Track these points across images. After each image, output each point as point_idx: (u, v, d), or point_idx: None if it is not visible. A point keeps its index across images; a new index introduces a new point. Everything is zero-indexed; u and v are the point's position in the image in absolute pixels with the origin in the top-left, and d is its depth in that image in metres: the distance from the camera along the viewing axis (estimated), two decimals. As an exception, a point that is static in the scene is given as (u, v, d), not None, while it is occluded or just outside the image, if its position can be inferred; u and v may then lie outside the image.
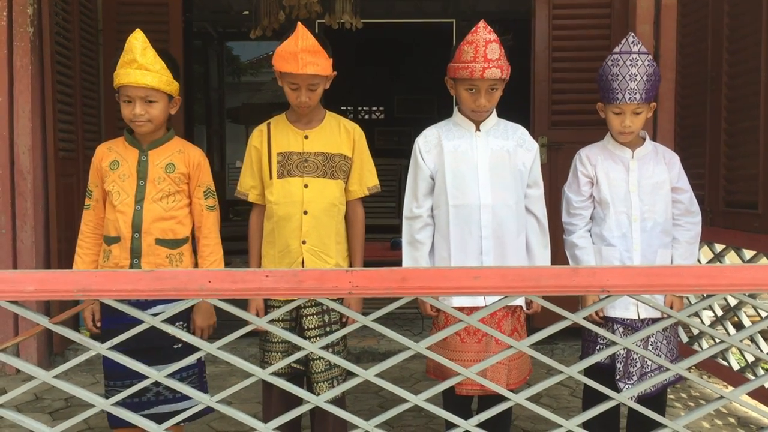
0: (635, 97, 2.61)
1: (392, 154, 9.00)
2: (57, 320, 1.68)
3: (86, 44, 4.85)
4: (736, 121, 3.62)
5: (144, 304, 2.34)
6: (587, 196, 2.77)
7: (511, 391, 1.82)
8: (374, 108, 11.38)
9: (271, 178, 2.65)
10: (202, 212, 2.62)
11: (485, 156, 2.65)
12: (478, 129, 2.68)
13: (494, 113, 2.72)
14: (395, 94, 10.51)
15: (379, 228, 7.47)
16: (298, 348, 2.52)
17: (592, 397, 2.59)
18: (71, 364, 1.61)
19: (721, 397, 1.65)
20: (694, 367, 4.07)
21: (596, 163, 2.75)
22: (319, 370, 2.57)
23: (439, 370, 2.64)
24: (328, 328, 2.59)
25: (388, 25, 6.78)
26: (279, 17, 4.66)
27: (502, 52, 2.58)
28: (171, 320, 2.31)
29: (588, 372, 1.93)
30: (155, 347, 2.36)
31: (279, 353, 2.60)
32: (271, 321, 2.53)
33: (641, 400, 2.44)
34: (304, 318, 2.59)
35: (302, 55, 2.47)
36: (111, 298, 1.64)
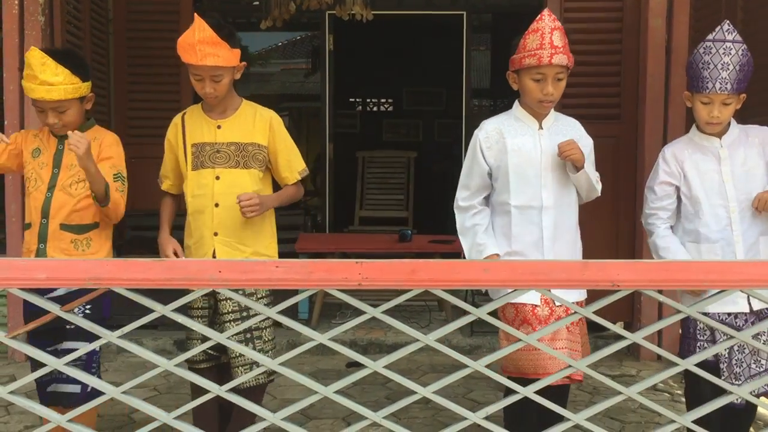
0: (726, 87, 2.48)
1: (401, 146, 8.98)
2: (68, 308, 1.69)
3: (96, 33, 4.86)
4: (748, 117, 3.60)
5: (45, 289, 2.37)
6: (664, 194, 2.65)
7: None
8: (383, 100, 11.36)
9: (187, 170, 2.68)
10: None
11: (548, 157, 2.59)
12: (540, 127, 2.63)
13: (553, 110, 2.68)
14: (404, 86, 10.48)
15: (387, 220, 7.47)
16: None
17: (699, 396, 2.35)
18: (80, 352, 1.62)
19: None
20: None
21: (684, 159, 2.62)
22: (235, 355, 2.59)
23: (516, 367, 2.57)
24: (244, 313, 2.60)
25: (398, 17, 6.76)
26: (290, 8, 4.65)
27: (566, 41, 2.55)
28: (73, 299, 2.38)
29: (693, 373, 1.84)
30: (52, 327, 2.34)
31: (198, 341, 2.60)
32: (189, 307, 2.64)
33: (730, 411, 2.33)
34: (220, 303, 2.61)
35: (200, 47, 2.46)
36: (121, 286, 1.64)
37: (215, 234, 2.63)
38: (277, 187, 2.85)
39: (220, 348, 2.57)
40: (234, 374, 2.56)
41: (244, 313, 2.59)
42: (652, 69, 4.28)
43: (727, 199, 2.55)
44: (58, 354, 2.52)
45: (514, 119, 2.67)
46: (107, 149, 2.69)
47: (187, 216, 2.71)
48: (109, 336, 1.60)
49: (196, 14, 2.52)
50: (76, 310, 2.53)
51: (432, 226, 6.85)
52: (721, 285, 1.57)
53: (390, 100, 11.24)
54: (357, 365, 3.90)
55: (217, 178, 2.62)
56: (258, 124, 2.68)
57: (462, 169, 2.74)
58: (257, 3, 6.07)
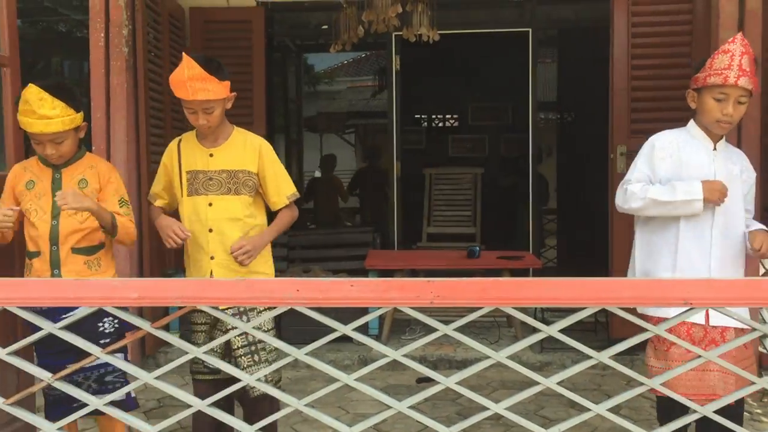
0: None
1: (467, 162, 8.99)
2: (158, 325, 1.80)
3: (175, 61, 5.07)
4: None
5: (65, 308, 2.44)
6: None
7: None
8: (448, 116, 11.40)
9: (182, 196, 2.79)
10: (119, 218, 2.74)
11: (722, 175, 2.60)
12: (714, 148, 2.64)
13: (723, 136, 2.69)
14: (469, 101, 10.50)
15: (455, 236, 7.49)
16: (212, 350, 2.68)
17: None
18: (173, 365, 1.72)
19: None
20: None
21: None
22: (243, 366, 2.71)
23: (667, 386, 2.58)
24: (251, 337, 2.70)
25: (463, 35, 6.81)
26: (358, 32, 4.77)
27: (753, 68, 2.57)
28: (100, 317, 2.45)
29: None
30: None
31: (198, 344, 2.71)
32: (191, 322, 2.79)
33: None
34: (221, 321, 2.70)
35: (190, 83, 2.58)
36: (207, 305, 1.74)
37: (211, 258, 2.76)
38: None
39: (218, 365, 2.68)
40: (246, 386, 2.66)
41: (250, 337, 2.72)
42: (724, 81, 4.20)
43: None
44: (87, 371, 2.65)
45: (690, 136, 2.68)
46: (106, 174, 2.79)
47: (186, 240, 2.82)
48: (195, 351, 1.70)
49: (184, 53, 2.66)
50: (106, 324, 2.67)
51: (500, 241, 6.84)
52: (797, 303, 1.55)
53: (455, 116, 11.28)
54: (428, 381, 3.94)
55: (210, 204, 2.75)
56: (248, 152, 2.80)
57: (629, 170, 2.74)
58: (326, 27, 6.25)
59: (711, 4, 4.27)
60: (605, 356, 1.61)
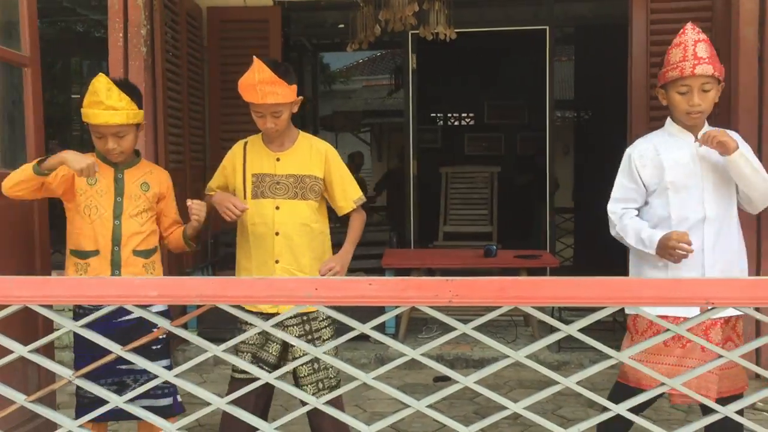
0: None
1: (482, 161, 8.97)
2: (177, 323, 1.81)
3: (193, 61, 5.11)
4: None
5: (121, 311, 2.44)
6: None
7: (723, 400, 1.73)
8: (464, 114, 11.38)
9: (245, 197, 2.77)
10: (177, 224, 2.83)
11: (708, 167, 2.57)
12: (696, 139, 2.59)
13: (706, 122, 2.65)
14: (485, 99, 10.47)
15: (471, 235, 7.47)
16: (266, 350, 2.68)
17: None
18: (192, 363, 1.73)
19: None
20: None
21: None
22: (304, 374, 2.69)
23: (635, 376, 2.57)
24: (309, 336, 2.69)
25: (480, 33, 6.79)
26: (375, 31, 4.77)
27: (713, 52, 2.54)
28: (148, 325, 2.46)
29: None
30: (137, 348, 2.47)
31: (249, 354, 2.71)
32: (249, 326, 2.64)
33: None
34: (287, 329, 2.69)
35: (261, 87, 2.58)
36: (226, 303, 1.75)
37: (276, 261, 2.74)
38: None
39: (273, 366, 2.68)
40: (304, 391, 2.65)
41: (309, 336, 2.70)
42: (744, 78, 4.15)
43: None
44: (137, 373, 2.67)
45: (668, 135, 2.65)
46: (166, 182, 2.84)
47: (243, 239, 2.82)
48: (214, 349, 1.71)
49: (255, 57, 2.66)
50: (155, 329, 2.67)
51: (517, 240, 6.82)
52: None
53: (471, 115, 11.25)
54: (445, 380, 3.93)
55: (277, 208, 2.74)
56: (314, 157, 2.80)
57: (614, 186, 2.73)
58: (342, 26, 6.25)
59: (731, 1, 4.23)
60: (625, 356, 1.60)
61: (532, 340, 4.85)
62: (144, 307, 1.67)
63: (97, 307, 2.22)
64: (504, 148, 10.48)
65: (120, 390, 2.57)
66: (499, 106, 10.49)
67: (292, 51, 8.10)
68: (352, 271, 5.09)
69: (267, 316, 2.64)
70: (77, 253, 2.74)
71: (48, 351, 3.12)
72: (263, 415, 2.81)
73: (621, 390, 2.61)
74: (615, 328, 4.70)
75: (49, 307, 1.62)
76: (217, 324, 3.23)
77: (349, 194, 2.85)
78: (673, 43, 2.56)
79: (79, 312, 2.66)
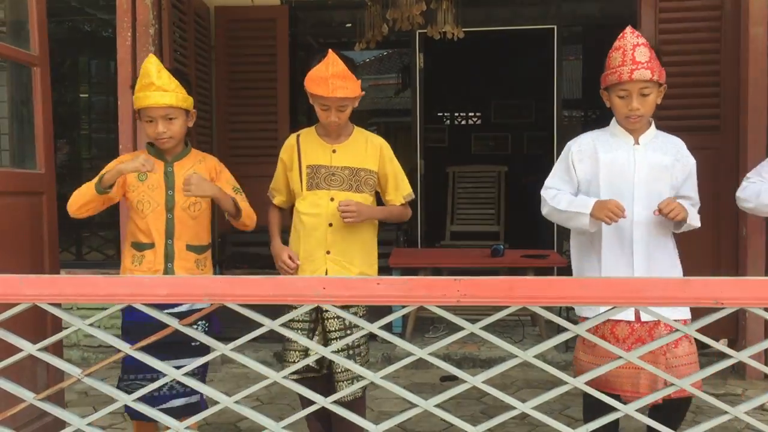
0: None
1: (489, 160, 8.96)
2: (186, 322, 1.81)
3: (201, 60, 5.13)
4: None
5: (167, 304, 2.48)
6: None
7: (674, 400, 1.72)
8: (471, 114, 11.36)
9: (302, 189, 2.78)
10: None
11: (643, 171, 2.59)
12: (636, 142, 2.63)
13: (653, 125, 2.68)
14: (492, 98, 10.45)
15: (479, 235, 7.46)
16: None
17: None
18: (200, 362, 1.73)
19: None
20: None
21: None
22: (340, 370, 2.70)
23: (601, 382, 2.57)
24: (348, 331, 2.70)
25: (487, 32, 6.79)
26: (382, 30, 4.77)
27: (652, 55, 2.56)
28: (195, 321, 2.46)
29: None
30: (175, 341, 2.46)
31: (298, 352, 2.72)
32: (291, 322, 2.70)
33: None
34: (326, 321, 2.71)
35: (332, 80, 2.59)
36: (234, 302, 1.75)
37: (327, 252, 2.75)
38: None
39: (320, 362, 2.70)
40: (337, 387, 2.68)
41: (348, 331, 2.70)
42: (753, 77, 4.14)
43: None
44: (177, 369, 2.68)
45: (610, 135, 2.68)
46: (216, 167, 2.86)
47: (295, 231, 2.84)
48: (223, 348, 1.71)
49: (330, 50, 2.66)
50: (198, 328, 2.68)
51: (524, 240, 6.81)
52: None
53: (478, 114, 11.23)
54: (452, 379, 3.93)
55: (332, 199, 2.75)
56: (369, 150, 2.81)
57: (549, 173, 2.79)
58: (349, 25, 6.25)
59: (740, 0, 4.21)
60: (634, 356, 1.60)
61: (540, 339, 4.84)
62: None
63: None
64: (511, 148, 10.46)
65: (156, 389, 2.56)
66: (506, 105, 10.46)
67: (300, 50, 8.10)
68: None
69: (307, 314, 2.69)
70: (135, 245, 2.79)
71: (57, 349, 3.14)
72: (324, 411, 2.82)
73: (587, 394, 2.64)
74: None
75: (58, 305, 1.62)
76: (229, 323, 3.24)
77: (400, 189, 2.88)
78: (613, 47, 2.58)
79: (129, 310, 2.67)
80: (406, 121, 7.17)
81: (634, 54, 2.51)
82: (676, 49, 4.46)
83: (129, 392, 2.62)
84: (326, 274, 2.72)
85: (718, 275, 1.55)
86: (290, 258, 2.77)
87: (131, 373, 2.71)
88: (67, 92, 6.97)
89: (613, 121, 2.69)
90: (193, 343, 2.65)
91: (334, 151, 2.79)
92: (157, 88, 2.63)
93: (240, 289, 1.74)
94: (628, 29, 2.58)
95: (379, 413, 3.68)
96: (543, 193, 2.75)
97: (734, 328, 4.32)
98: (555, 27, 6.34)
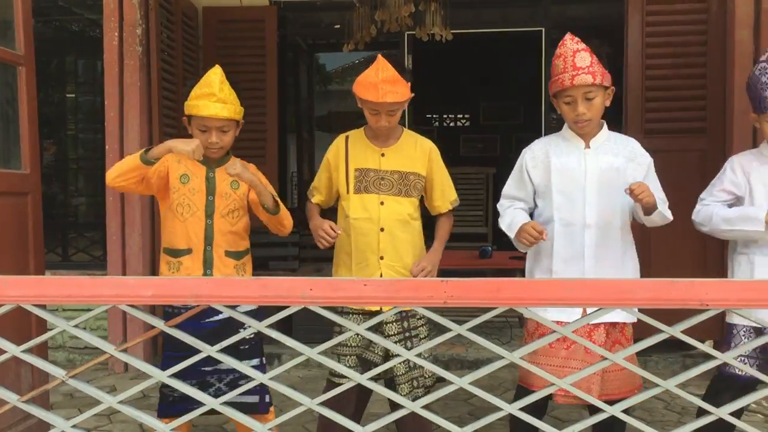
0: None
1: (478, 161, 8.97)
2: (172, 324, 1.80)
3: (188, 60, 5.11)
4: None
5: (210, 311, 2.47)
6: (722, 198, 2.74)
7: (614, 401, 1.79)
8: (460, 115, 11.38)
9: (348, 192, 2.75)
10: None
11: (593, 175, 2.62)
12: (587, 146, 2.66)
13: (605, 128, 2.70)
14: (481, 101, 10.47)
15: (467, 236, 7.47)
16: (373, 352, 2.65)
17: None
18: (186, 363, 1.72)
19: None
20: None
21: (750, 171, 2.69)
22: (401, 372, 2.66)
23: (527, 378, 2.66)
24: (407, 334, 2.67)
25: (476, 34, 6.80)
26: (371, 31, 4.77)
27: (593, 60, 2.59)
28: (236, 325, 2.44)
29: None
30: (228, 347, 2.46)
31: (353, 356, 2.69)
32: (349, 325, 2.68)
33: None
34: (385, 325, 2.68)
35: (382, 86, 2.57)
36: (221, 303, 1.75)
37: (381, 258, 2.72)
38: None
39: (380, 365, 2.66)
40: (400, 390, 2.65)
41: (407, 334, 2.68)
42: (739, 81, 4.15)
43: None
44: (221, 373, 2.65)
45: (562, 139, 2.72)
46: (255, 173, 2.83)
47: (343, 234, 2.77)
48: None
49: (379, 55, 2.64)
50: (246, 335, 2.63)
51: (512, 242, 6.82)
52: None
53: (467, 115, 11.26)
54: (440, 380, 3.93)
55: (382, 203, 2.72)
56: (419, 154, 2.78)
57: (506, 183, 2.83)
58: (338, 27, 6.25)
59: (726, 4, 4.24)
60: (619, 357, 1.60)
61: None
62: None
63: (187, 307, 2.19)
64: (499, 149, 10.49)
65: (202, 389, 2.54)
66: (495, 107, 10.50)
67: (289, 51, 8.09)
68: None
69: (367, 316, 2.65)
70: (170, 251, 2.75)
71: (41, 351, 3.11)
72: (358, 416, 2.80)
73: (519, 392, 2.72)
74: (609, 330, 4.71)
75: (43, 306, 1.61)
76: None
77: (447, 195, 2.85)
78: (554, 55, 2.62)
79: (168, 311, 2.67)
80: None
81: (574, 60, 2.55)
82: (663, 52, 4.49)
83: (172, 398, 2.66)
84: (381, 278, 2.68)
85: (705, 278, 1.56)
86: (332, 228, 2.69)
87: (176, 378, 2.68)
88: (54, 92, 6.92)
89: (565, 125, 2.72)
90: (242, 347, 2.63)
91: (382, 155, 2.76)
92: (218, 99, 2.62)
93: (226, 290, 1.73)
94: (568, 36, 2.62)
95: (367, 414, 3.67)
96: (498, 205, 2.82)
97: (719, 329, 4.34)
98: (543, 29, 6.37)
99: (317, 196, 2.89)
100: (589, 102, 2.57)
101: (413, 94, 2.72)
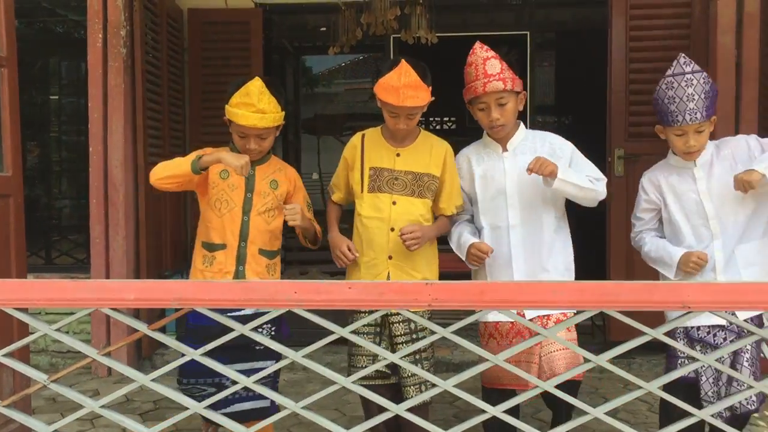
0: (696, 117, 2.58)
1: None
2: (155, 327, 1.79)
3: (173, 62, 5.08)
4: None
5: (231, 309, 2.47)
6: (648, 218, 2.81)
7: (561, 385, 1.73)
8: (446, 118, 11.40)
9: (362, 191, 2.76)
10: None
11: (513, 176, 2.71)
12: (505, 149, 2.74)
13: (521, 128, 2.77)
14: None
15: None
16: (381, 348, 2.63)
17: (669, 415, 2.56)
18: (170, 367, 1.71)
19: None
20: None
21: (660, 183, 2.75)
22: (407, 375, 2.67)
23: (494, 379, 2.72)
24: (414, 335, 2.68)
25: (461, 38, 6.83)
26: (356, 34, 4.77)
27: (504, 66, 2.66)
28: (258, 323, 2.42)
29: (669, 388, 1.93)
30: (239, 345, 2.46)
31: (366, 357, 2.69)
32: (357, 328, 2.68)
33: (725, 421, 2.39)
34: (392, 325, 2.70)
35: (404, 90, 2.59)
36: (204, 306, 1.74)
37: (390, 257, 2.72)
38: None
39: (392, 367, 2.67)
40: (405, 393, 2.66)
41: (414, 336, 2.69)
42: (722, 85, 4.18)
43: (707, 218, 2.64)
44: (245, 373, 2.63)
45: (483, 146, 2.82)
46: (295, 180, 2.87)
47: (356, 233, 2.80)
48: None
49: (402, 59, 2.65)
50: (264, 332, 2.63)
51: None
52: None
53: (453, 118, 11.27)
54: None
55: (394, 203, 2.73)
56: (434, 156, 2.79)
57: None
58: (324, 29, 6.25)
59: (709, 8, 4.28)
60: (603, 359, 1.61)
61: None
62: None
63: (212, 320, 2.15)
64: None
65: (218, 391, 2.51)
66: (480, 110, 10.52)
67: (274, 54, 8.07)
68: (332, 274, 5.09)
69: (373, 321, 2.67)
70: (207, 245, 2.77)
71: (23, 355, 3.08)
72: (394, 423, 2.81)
73: (486, 394, 2.80)
74: (594, 332, 4.74)
75: (25, 310, 1.60)
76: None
77: (453, 199, 2.85)
78: (466, 63, 2.71)
79: (191, 327, 2.68)
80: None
81: (485, 68, 2.63)
82: (646, 56, 4.53)
83: (201, 398, 2.60)
84: (388, 278, 2.69)
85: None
86: (349, 249, 2.73)
87: (190, 377, 2.69)
88: (38, 94, 6.87)
89: (484, 132, 2.81)
90: (257, 347, 2.62)
91: (398, 155, 2.77)
92: (257, 110, 2.62)
93: (210, 293, 1.73)
94: (477, 44, 2.69)
95: (351, 417, 3.67)
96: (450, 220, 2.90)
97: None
98: (528, 33, 6.40)
99: (337, 194, 2.91)
100: (501, 107, 2.66)
101: (433, 98, 2.74)
